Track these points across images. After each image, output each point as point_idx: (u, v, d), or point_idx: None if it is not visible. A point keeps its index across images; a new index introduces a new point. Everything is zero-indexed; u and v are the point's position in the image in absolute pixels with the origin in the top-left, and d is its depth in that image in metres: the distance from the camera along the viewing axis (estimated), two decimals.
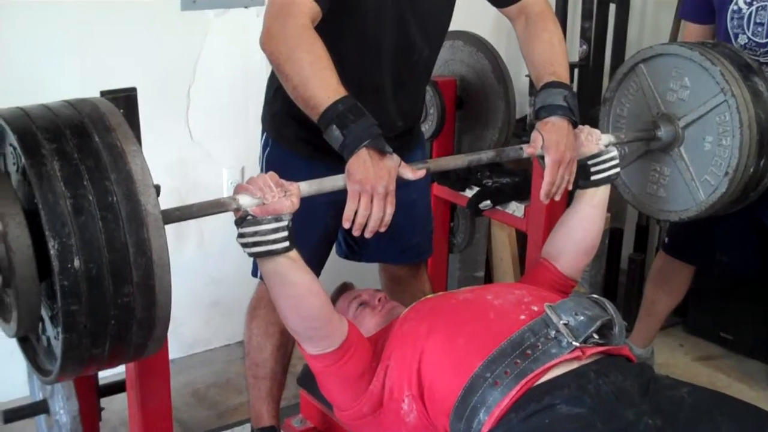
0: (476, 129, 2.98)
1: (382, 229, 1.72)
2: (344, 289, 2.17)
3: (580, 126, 2.02)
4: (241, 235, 1.62)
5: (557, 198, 1.98)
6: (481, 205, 2.83)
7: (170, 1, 2.95)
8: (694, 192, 2.27)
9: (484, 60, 2.87)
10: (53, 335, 1.41)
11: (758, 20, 2.55)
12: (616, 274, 3.70)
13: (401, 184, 1.76)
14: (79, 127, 1.35)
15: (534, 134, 1.96)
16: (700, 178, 2.26)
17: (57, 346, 1.35)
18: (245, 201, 1.60)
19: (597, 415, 1.51)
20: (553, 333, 1.65)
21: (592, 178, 2.03)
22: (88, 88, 2.07)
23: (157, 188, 1.87)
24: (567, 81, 2.02)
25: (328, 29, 1.83)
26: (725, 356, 3.37)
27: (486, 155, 2.00)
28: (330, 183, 1.73)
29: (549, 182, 1.93)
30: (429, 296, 1.97)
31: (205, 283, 3.28)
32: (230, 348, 3.36)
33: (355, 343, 1.78)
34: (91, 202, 1.29)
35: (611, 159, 2.03)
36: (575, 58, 3.58)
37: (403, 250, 2.41)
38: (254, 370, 2.37)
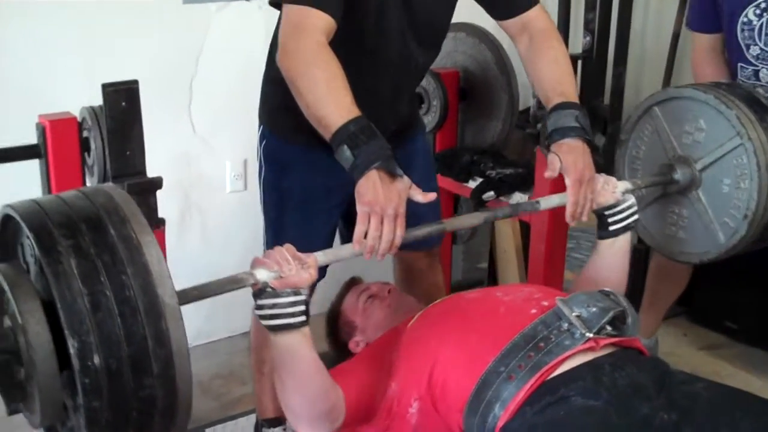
0: (479, 120, 2.98)
1: (393, 252, 1.67)
2: (353, 283, 2.17)
3: (597, 174, 1.97)
4: (259, 307, 1.60)
5: (584, 218, 1.94)
6: (485, 196, 2.82)
7: None
8: (714, 235, 2.24)
9: (486, 51, 2.87)
10: (77, 425, 1.41)
11: None
12: None
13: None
14: (94, 220, 1.35)
15: (550, 157, 1.94)
16: (719, 221, 2.22)
17: None
18: (262, 275, 1.58)
19: (613, 408, 1.49)
20: (565, 325, 1.64)
21: (610, 228, 1.98)
22: (91, 82, 2.08)
23: (159, 181, 1.88)
24: (576, 99, 1.99)
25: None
26: (730, 345, 3.36)
27: (501, 212, 1.98)
28: (346, 251, 1.69)
29: (573, 203, 1.90)
30: (437, 301, 1.94)
31: (208, 275, 3.25)
32: (233, 339, 3.36)
33: (356, 402, 1.74)
34: (109, 297, 1.29)
35: (629, 208, 1.99)
36: (578, 50, 3.57)
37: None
38: (259, 366, 2.38)
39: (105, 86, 1.78)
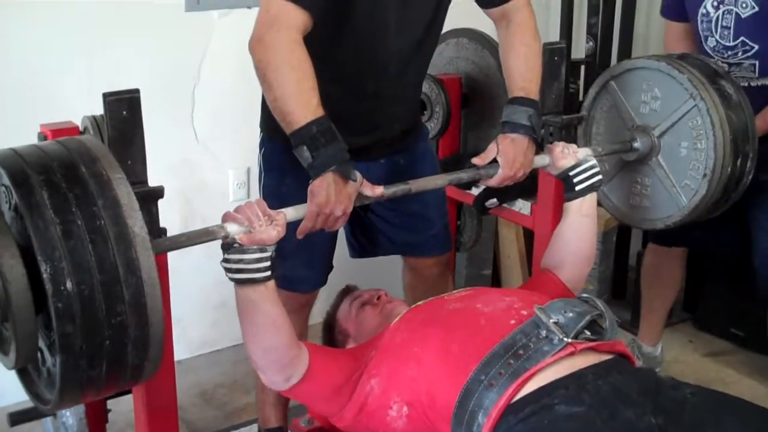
0: (482, 127, 2.97)
1: None
2: (347, 291, 2.17)
3: (556, 143, 2.09)
4: (226, 261, 1.67)
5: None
6: (488, 203, 2.81)
7: (174, 1, 2.95)
8: (676, 198, 2.32)
9: (489, 57, 2.86)
10: (52, 364, 1.43)
11: (724, 24, 2.60)
12: (625, 270, 3.68)
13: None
14: (66, 159, 1.40)
15: (491, 145, 2.03)
16: (680, 184, 2.30)
17: (55, 373, 1.38)
18: (233, 229, 1.65)
19: (597, 413, 1.49)
20: (544, 332, 1.64)
21: (576, 188, 2.07)
22: (94, 89, 2.07)
23: (161, 190, 1.87)
24: (536, 96, 2.08)
25: (325, 39, 1.87)
26: (735, 352, 3.36)
27: (466, 174, 2.07)
28: None
29: (492, 184, 2.06)
30: (419, 304, 1.95)
31: (212, 284, 3.26)
32: (237, 348, 3.35)
33: (318, 372, 1.78)
34: (80, 226, 1.33)
35: (591, 167, 2.08)
36: (581, 55, 3.56)
37: (420, 244, 2.39)
38: None
39: (106, 95, 1.78)
